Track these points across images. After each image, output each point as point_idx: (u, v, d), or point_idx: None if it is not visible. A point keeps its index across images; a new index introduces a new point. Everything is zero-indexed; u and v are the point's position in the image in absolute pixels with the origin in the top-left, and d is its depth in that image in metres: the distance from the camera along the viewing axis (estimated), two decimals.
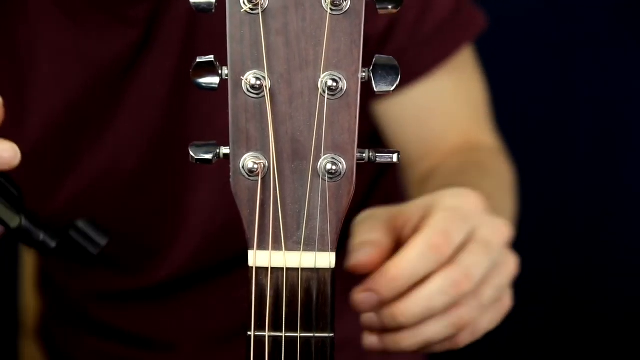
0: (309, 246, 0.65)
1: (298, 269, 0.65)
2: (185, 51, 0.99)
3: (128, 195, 1.06)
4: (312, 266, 0.65)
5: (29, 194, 0.79)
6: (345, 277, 1.14)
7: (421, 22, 1.04)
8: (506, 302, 0.76)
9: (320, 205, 0.65)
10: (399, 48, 1.03)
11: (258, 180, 0.65)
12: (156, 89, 1.01)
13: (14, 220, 0.75)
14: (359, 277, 1.16)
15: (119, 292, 1.14)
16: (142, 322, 1.14)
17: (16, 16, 1.01)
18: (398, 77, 0.65)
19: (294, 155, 0.64)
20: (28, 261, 1.32)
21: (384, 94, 0.66)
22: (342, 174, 0.65)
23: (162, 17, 0.99)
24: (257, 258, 0.65)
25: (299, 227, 0.65)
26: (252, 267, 0.65)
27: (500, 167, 1.06)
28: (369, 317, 0.73)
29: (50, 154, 1.04)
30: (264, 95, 0.64)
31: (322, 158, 0.65)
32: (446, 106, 1.08)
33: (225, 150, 0.65)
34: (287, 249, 0.65)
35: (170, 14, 0.99)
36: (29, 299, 1.32)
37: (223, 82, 0.64)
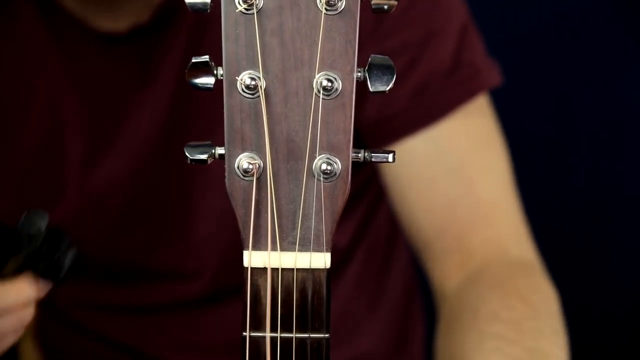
0: (304, 246, 0.65)
1: (293, 269, 0.65)
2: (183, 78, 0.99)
3: (128, 219, 1.05)
4: (307, 266, 0.65)
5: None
6: (369, 294, 1.14)
7: (411, 72, 1.00)
8: None
9: (316, 206, 0.65)
10: (383, 98, 0.99)
11: (253, 180, 0.65)
12: (154, 116, 1.00)
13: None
14: (381, 293, 1.15)
15: (115, 305, 1.13)
16: (131, 333, 1.13)
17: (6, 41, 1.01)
18: (393, 77, 0.65)
19: (289, 156, 0.64)
20: None
21: (380, 93, 0.65)
22: (338, 174, 0.65)
23: (158, 48, 0.98)
24: (252, 258, 0.65)
25: (294, 228, 0.65)
26: (247, 268, 0.65)
27: (550, 315, 0.96)
28: None
29: (44, 176, 1.04)
30: (259, 96, 0.64)
31: (317, 158, 0.64)
32: (458, 161, 1.02)
33: (220, 150, 0.65)
34: (282, 249, 0.65)
35: (168, 41, 0.98)
36: None
37: (218, 83, 0.64)
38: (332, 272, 1.11)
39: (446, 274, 1.01)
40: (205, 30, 0.97)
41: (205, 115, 0.99)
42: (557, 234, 1.69)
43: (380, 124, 1.01)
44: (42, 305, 1.20)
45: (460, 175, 1.01)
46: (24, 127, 1.02)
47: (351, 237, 1.13)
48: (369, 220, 1.15)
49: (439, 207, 1.01)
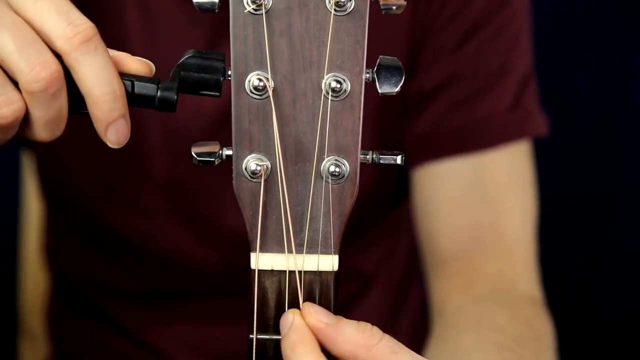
0: (312, 249, 0.65)
1: (301, 271, 0.65)
2: None
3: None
4: (315, 269, 0.65)
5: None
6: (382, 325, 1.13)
7: (475, 100, 1.03)
8: None
9: (324, 208, 0.64)
10: (445, 109, 1.03)
11: (261, 182, 0.64)
12: None
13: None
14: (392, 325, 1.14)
15: (134, 291, 1.13)
16: (147, 325, 1.13)
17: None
18: (402, 78, 0.65)
19: (297, 157, 0.64)
20: (30, 239, 1.31)
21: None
22: (346, 176, 0.64)
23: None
24: (260, 260, 0.65)
25: (302, 230, 0.65)
26: (254, 270, 0.65)
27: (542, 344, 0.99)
28: None
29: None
30: (267, 97, 0.63)
31: (326, 160, 0.64)
32: (493, 193, 1.05)
33: (227, 151, 0.65)
34: (289, 251, 0.65)
35: None
36: (33, 279, 1.32)
37: (226, 83, 0.64)
38: (353, 298, 1.13)
39: (451, 292, 1.03)
40: None
41: None
42: (556, 234, 1.69)
43: (431, 138, 1.04)
44: (58, 288, 1.20)
45: (492, 206, 1.04)
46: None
47: (377, 262, 1.15)
48: (393, 248, 1.17)
49: (463, 231, 1.04)
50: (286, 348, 0.63)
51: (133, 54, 0.99)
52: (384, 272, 1.16)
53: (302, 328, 0.64)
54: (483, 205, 1.04)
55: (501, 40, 1.04)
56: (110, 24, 1.01)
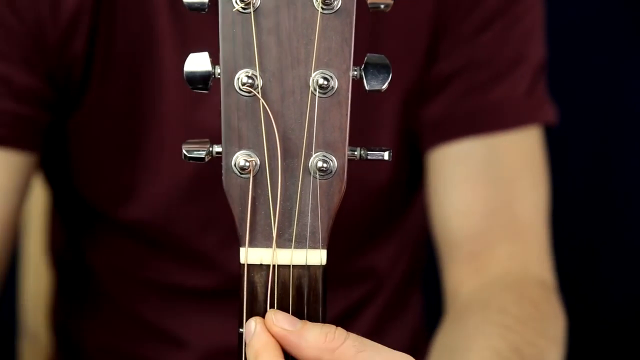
0: (301, 243, 0.66)
1: (289, 265, 0.66)
2: None
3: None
4: (304, 263, 0.66)
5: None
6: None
7: (491, 85, 1.05)
8: None
9: (312, 203, 0.65)
10: (461, 93, 1.04)
11: (250, 177, 0.65)
12: None
13: None
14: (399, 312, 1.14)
15: (153, 282, 1.13)
16: (166, 317, 1.13)
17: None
18: (389, 75, 0.66)
19: (285, 153, 0.65)
20: (33, 239, 1.32)
21: (376, 92, 0.66)
22: (333, 171, 0.65)
23: None
24: (249, 255, 0.66)
25: (290, 225, 0.66)
26: (243, 265, 0.66)
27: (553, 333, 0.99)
28: None
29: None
30: (255, 94, 0.64)
31: (314, 156, 0.65)
32: (506, 175, 1.06)
33: (217, 148, 0.66)
34: (278, 246, 0.66)
35: None
36: (35, 279, 1.32)
37: (215, 81, 0.65)
38: (368, 297, 1.13)
39: (464, 277, 1.04)
40: None
41: None
42: (557, 232, 1.70)
43: (446, 120, 1.05)
44: (76, 271, 1.20)
45: (504, 189, 1.05)
46: (122, 76, 1.03)
47: (390, 261, 1.16)
48: (404, 246, 1.17)
49: (476, 213, 1.05)
50: (250, 356, 0.65)
51: (163, 58, 1.00)
52: (395, 270, 1.17)
53: (263, 335, 0.65)
54: (496, 187, 1.05)
55: (518, 29, 1.06)
56: (140, 30, 1.02)
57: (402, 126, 1.06)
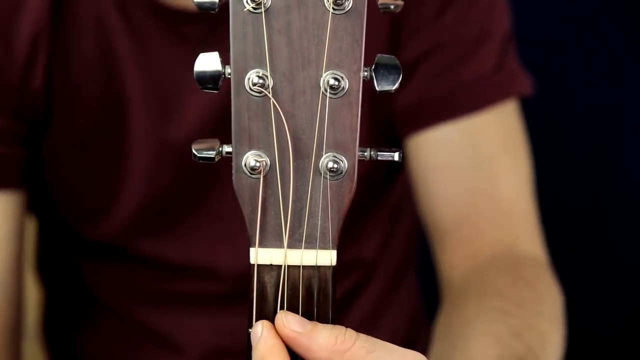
0: (311, 244, 0.66)
1: (299, 266, 0.66)
2: None
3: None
4: (314, 264, 0.66)
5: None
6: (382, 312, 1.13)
7: (458, 66, 1.04)
8: None
9: (322, 203, 0.65)
10: (430, 77, 1.04)
11: (260, 178, 0.65)
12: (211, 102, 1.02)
13: None
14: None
15: (144, 290, 1.14)
16: (160, 322, 1.13)
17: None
18: (399, 76, 0.66)
19: (296, 154, 0.65)
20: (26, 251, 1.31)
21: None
22: (344, 172, 0.65)
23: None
24: (259, 255, 0.66)
25: (300, 225, 0.65)
26: (253, 265, 0.66)
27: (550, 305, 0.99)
28: None
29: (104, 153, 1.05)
30: (266, 94, 0.64)
31: (324, 156, 0.65)
32: (486, 155, 1.05)
33: (227, 148, 0.66)
34: (288, 246, 0.66)
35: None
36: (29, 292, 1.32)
37: (226, 81, 0.65)
38: (359, 287, 1.13)
39: (456, 263, 1.04)
40: None
41: None
42: (557, 232, 1.70)
43: (420, 107, 1.04)
44: (67, 284, 1.20)
45: (486, 170, 1.05)
46: (85, 100, 1.03)
47: (377, 249, 1.15)
48: (393, 233, 1.17)
49: (461, 198, 1.04)
50: (255, 359, 0.64)
51: (125, 76, 1.00)
52: (385, 258, 1.16)
53: (270, 339, 0.64)
54: (477, 169, 1.05)
55: (478, 5, 1.05)
56: (98, 54, 1.02)
57: (375, 117, 1.05)
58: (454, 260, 1.04)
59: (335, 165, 0.65)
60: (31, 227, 1.25)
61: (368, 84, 0.65)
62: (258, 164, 0.65)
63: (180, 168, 1.04)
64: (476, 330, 0.91)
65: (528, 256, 1.03)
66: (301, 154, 0.65)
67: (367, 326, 1.13)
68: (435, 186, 1.05)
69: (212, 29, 1.00)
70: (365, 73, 0.65)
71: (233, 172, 0.65)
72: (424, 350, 1.16)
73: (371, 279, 1.16)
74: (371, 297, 1.16)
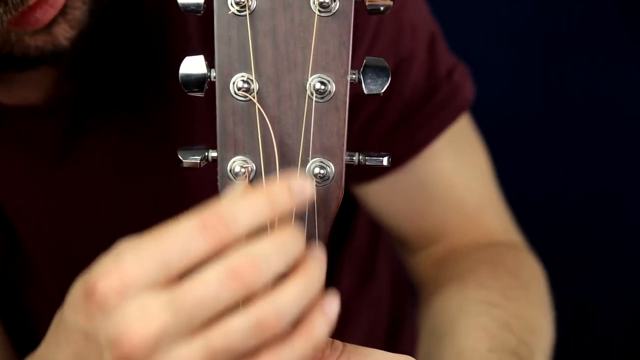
0: None
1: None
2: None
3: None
4: None
5: None
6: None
7: (390, 112, 0.95)
8: None
9: (309, 209, 0.64)
10: (390, 126, 0.96)
11: (245, 183, 0.64)
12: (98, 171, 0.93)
13: None
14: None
15: None
16: None
17: None
18: (388, 79, 0.64)
19: (281, 159, 0.64)
20: None
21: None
22: (331, 177, 0.64)
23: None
24: None
25: None
26: None
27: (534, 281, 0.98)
28: None
29: None
30: (251, 99, 0.63)
31: (311, 162, 0.64)
32: (445, 187, 1.00)
33: (213, 153, 0.65)
34: None
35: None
36: None
37: (210, 86, 0.64)
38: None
39: (429, 264, 1.01)
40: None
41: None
42: (555, 234, 1.69)
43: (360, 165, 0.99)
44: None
45: (448, 198, 1.00)
46: None
47: (334, 243, 1.12)
48: (350, 226, 1.13)
49: (429, 225, 1.01)
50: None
51: None
52: (347, 251, 1.12)
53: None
54: (438, 202, 1.00)
55: (383, 34, 0.93)
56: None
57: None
58: (422, 263, 1.01)
59: (322, 171, 0.64)
60: None
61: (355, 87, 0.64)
62: (243, 170, 0.64)
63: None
64: (463, 325, 0.88)
65: (505, 243, 1.00)
66: (287, 160, 0.64)
67: (341, 317, 1.10)
68: (396, 224, 1.01)
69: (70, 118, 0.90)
70: (353, 76, 0.64)
71: (218, 177, 0.64)
72: (410, 338, 1.14)
73: (341, 272, 1.11)
74: (344, 288, 1.11)
